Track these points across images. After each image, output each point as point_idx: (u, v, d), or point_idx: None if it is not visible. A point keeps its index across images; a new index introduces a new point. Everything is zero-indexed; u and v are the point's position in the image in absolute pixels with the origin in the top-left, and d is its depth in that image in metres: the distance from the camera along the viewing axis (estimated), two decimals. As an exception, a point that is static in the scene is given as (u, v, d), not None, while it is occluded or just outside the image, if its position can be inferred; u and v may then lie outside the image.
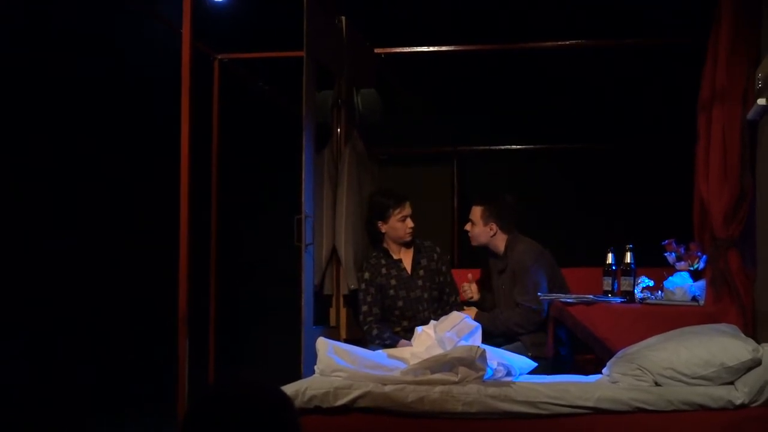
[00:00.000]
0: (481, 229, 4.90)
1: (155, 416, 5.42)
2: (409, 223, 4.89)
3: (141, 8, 5.11)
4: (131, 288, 6.11)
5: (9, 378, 5.02)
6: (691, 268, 4.45)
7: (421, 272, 4.92)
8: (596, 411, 3.59)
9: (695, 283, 4.38)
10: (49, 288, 5.43)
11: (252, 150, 7.05)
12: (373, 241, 5.01)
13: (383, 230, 4.90)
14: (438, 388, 3.66)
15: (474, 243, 5.00)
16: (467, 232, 4.99)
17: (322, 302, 4.90)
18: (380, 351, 4.22)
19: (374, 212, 4.92)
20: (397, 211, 4.86)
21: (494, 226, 4.88)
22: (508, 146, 7.57)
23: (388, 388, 3.68)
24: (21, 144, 5.24)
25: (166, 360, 4.52)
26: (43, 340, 5.41)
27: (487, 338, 4.36)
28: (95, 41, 5.58)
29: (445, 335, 4.03)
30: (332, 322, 4.96)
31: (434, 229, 6.83)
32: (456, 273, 5.15)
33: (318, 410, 3.66)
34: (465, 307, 4.91)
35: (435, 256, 4.98)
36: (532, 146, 7.55)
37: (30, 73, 5.26)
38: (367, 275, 4.85)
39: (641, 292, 4.51)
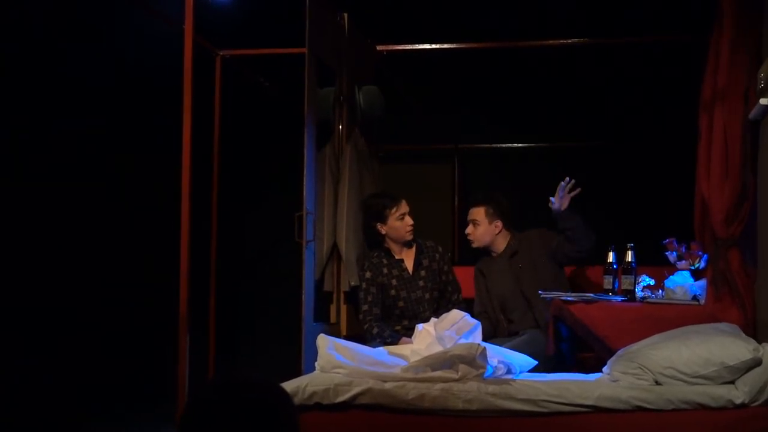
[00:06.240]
0: (487, 228, 4.90)
1: (155, 414, 5.42)
2: (408, 220, 4.86)
3: (143, 5, 5.11)
4: (132, 286, 6.11)
5: (9, 378, 5.02)
6: (692, 267, 4.45)
7: (423, 272, 4.91)
8: (596, 409, 3.58)
9: (696, 283, 4.37)
10: (49, 287, 5.43)
11: (253, 147, 7.05)
12: (373, 245, 4.99)
13: (383, 231, 4.88)
14: (438, 386, 3.66)
15: (476, 245, 4.97)
16: (468, 235, 4.97)
17: (323, 299, 4.90)
18: (381, 348, 4.21)
19: (371, 215, 4.89)
20: (394, 210, 4.84)
21: (499, 224, 4.89)
22: (509, 144, 7.57)
23: (388, 385, 3.67)
24: (19, 142, 5.24)
25: (166, 358, 4.52)
26: (43, 339, 5.40)
27: (487, 338, 4.36)
28: (97, 37, 5.58)
29: (445, 333, 4.02)
30: (333, 319, 4.96)
31: (435, 226, 6.83)
32: (456, 271, 5.13)
33: (318, 407, 3.66)
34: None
35: (437, 256, 4.97)
36: (533, 144, 7.55)
37: (28, 71, 5.26)
38: (368, 274, 4.84)
39: (642, 290, 4.50)
